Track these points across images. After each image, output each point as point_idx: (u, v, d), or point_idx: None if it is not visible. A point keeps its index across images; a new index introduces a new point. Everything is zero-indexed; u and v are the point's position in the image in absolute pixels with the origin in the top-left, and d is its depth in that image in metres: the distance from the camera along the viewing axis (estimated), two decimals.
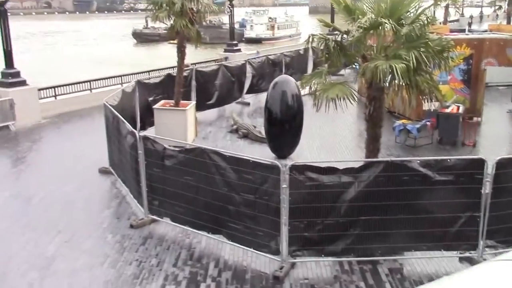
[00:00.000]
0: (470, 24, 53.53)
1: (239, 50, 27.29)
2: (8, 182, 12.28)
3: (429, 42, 8.45)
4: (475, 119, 16.41)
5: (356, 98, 9.20)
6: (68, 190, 11.54)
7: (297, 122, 13.50)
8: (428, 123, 15.13)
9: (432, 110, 15.17)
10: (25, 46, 65.62)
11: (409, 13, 8.80)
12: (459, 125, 14.84)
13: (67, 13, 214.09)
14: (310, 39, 9.37)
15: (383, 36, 8.73)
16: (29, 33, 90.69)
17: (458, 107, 15.59)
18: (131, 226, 9.67)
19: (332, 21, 25.06)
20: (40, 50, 69.85)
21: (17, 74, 17.70)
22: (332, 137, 15.70)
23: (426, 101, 9.39)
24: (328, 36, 9.27)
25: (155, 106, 14.97)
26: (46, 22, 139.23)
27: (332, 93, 8.59)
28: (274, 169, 7.78)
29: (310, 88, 9.16)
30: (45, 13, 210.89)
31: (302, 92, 13.17)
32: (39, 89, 18.58)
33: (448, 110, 15.23)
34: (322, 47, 9.21)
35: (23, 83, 17.78)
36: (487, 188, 7.75)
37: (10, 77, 17.47)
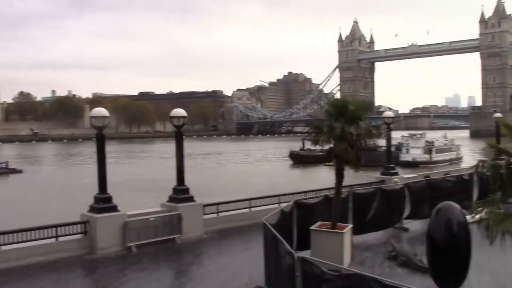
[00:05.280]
0: None
1: (396, 173, 26.84)
2: None
3: None
4: None
5: None
6: None
7: (464, 253, 12.41)
8: None
9: None
10: (193, 164, 71.88)
11: None
12: None
13: (233, 136, 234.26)
14: (480, 165, 8.91)
15: None
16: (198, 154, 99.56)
17: None
18: None
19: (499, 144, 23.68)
20: (207, 168, 75.81)
21: (186, 191, 19.24)
22: (505, 274, 14.09)
23: None
24: (501, 163, 8.73)
25: (312, 228, 15.01)
26: (214, 143, 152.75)
27: (507, 225, 7.89)
28: None
29: (480, 217, 8.52)
30: (215, 136, 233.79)
31: (469, 220, 12.26)
32: (204, 205, 19.85)
33: None
34: (493, 174, 8.67)
35: (190, 199, 19.21)
36: None
37: (180, 193, 19.04)
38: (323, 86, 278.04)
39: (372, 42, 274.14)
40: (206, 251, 17.40)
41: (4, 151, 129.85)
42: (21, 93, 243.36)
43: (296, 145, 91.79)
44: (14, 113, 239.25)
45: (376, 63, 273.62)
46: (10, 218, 31.40)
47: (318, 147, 16.72)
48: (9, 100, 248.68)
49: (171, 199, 19.13)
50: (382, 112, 30.15)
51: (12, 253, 14.94)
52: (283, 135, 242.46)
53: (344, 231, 14.74)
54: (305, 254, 13.72)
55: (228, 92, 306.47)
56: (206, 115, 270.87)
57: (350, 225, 15.79)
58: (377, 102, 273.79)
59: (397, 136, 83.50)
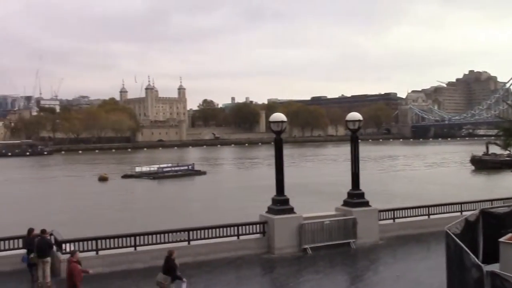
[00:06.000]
0: None
1: None
2: None
3: None
4: None
5: None
6: None
7: None
8: None
9: None
10: (368, 168, 70.91)
11: None
12: None
13: (410, 140, 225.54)
14: None
15: None
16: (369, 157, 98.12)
17: None
18: None
19: None
20: (382, 172, 74.15)
21: (362, 195, 18.96)
22: None
23: None
24: None
25: (501, 240, 13.67)
26: (390, 147, 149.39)
27: None
28: None
29: None
30: (391, 140, 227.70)
31: None
32: (380, 211, 19.36)
33: None
34: None
35: (366, 204, 18.87)
36: None
37: (355, 198, 18.84)
38: (511, 85, 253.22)
39: None
40: (382, 257, 16.99)
41: (191, 154, 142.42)
42: (205, 101, 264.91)
43: (478, 149, 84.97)
44: (199, 119, 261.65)
45: None
46: (196, 216, 34.31)
47: (506, 152, 15.27)
48: (195, 108, 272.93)
49: (346, 203, 19.01)
50: None
51: (200, 248, 16.27)
52: (466, 138, 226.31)
53: None
54: (493, 268, 12.62)
55: (402, 94, 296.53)
56: (379, 119, 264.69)
57: None
58: None
59: None
